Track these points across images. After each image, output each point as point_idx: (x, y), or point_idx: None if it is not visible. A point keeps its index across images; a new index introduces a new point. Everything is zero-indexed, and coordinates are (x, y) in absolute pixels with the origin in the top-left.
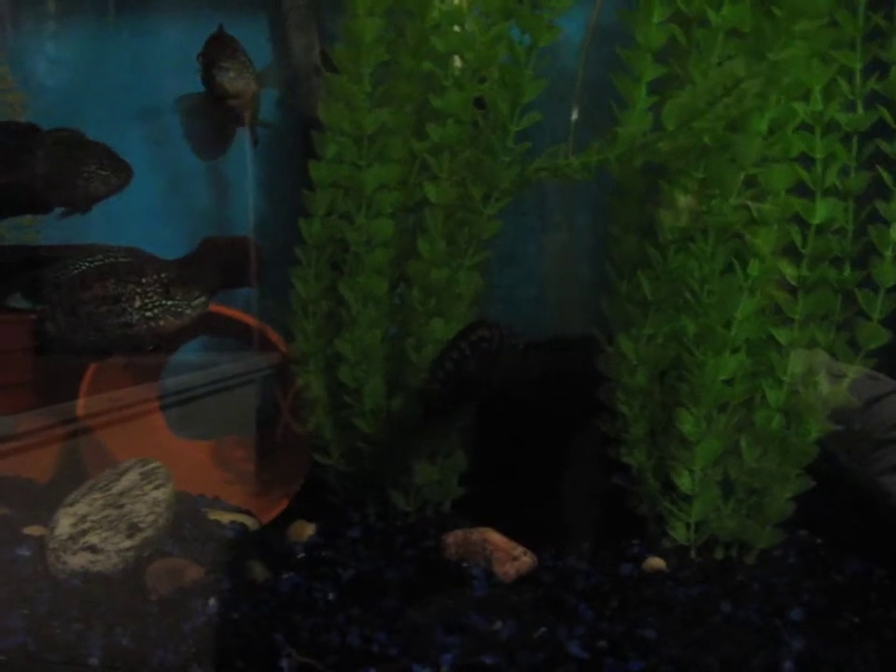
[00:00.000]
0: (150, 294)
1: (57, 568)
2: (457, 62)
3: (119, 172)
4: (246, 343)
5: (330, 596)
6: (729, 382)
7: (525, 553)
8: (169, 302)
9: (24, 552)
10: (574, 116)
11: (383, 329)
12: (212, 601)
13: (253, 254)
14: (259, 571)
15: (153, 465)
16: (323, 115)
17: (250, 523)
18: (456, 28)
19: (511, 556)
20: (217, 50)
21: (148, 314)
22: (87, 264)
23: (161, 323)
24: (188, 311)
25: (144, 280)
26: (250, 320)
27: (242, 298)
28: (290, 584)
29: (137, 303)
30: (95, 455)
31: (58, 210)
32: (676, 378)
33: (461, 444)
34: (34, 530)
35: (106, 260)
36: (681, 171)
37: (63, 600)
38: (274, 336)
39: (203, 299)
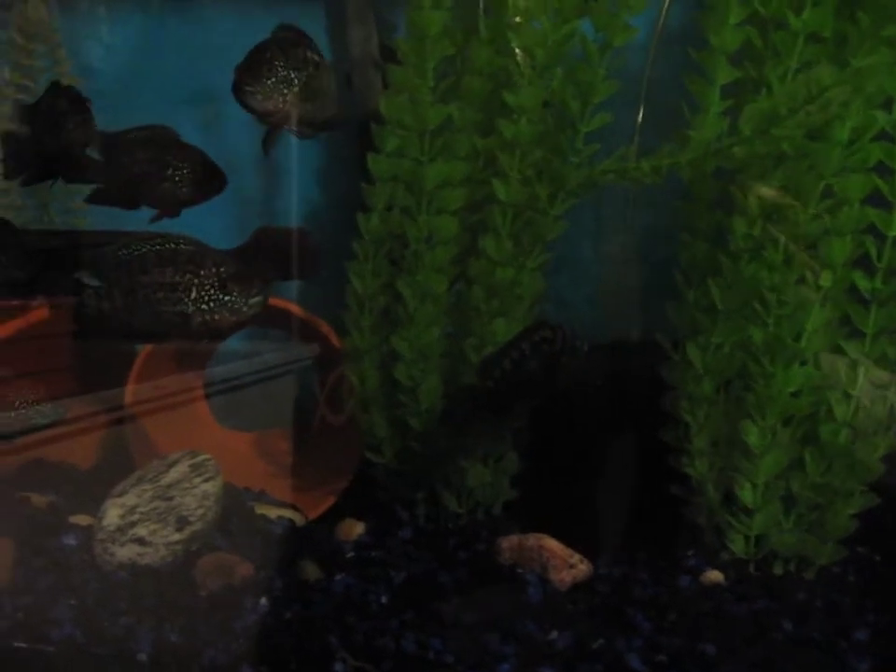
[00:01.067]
0: (207, 287)
1: (104, 559)
2: (522, 58)
3: (213, 178)
4: (298, 335)
5: (383, 599)
6: (796, 394)
7: (581, 561)
8: (226, 297)
9: (71, 541)
10: (640, 117)
11: (440, 327)
12: (263, 600)
13: (308, 245)
14: (311, 570)
15: (202, 457)
16: (384, 108)
17: (297, 518)
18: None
19: (567, 564)
20: (246, 69)
21: (204, 306)
22: (148, 247)
23: (216, 317)
24: (244, 308)
25: (202, 272)
26: (302, 312)
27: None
28: (343, 585)
29: (193, 294)
30: (140, 443)
31: None
32: (742, 388)
33: (514, 446)
34: (80, 519)
35: (167, 246)
36: (757, 178)
37: (110, 592)
38: (326, 329)
39: (260, 297)
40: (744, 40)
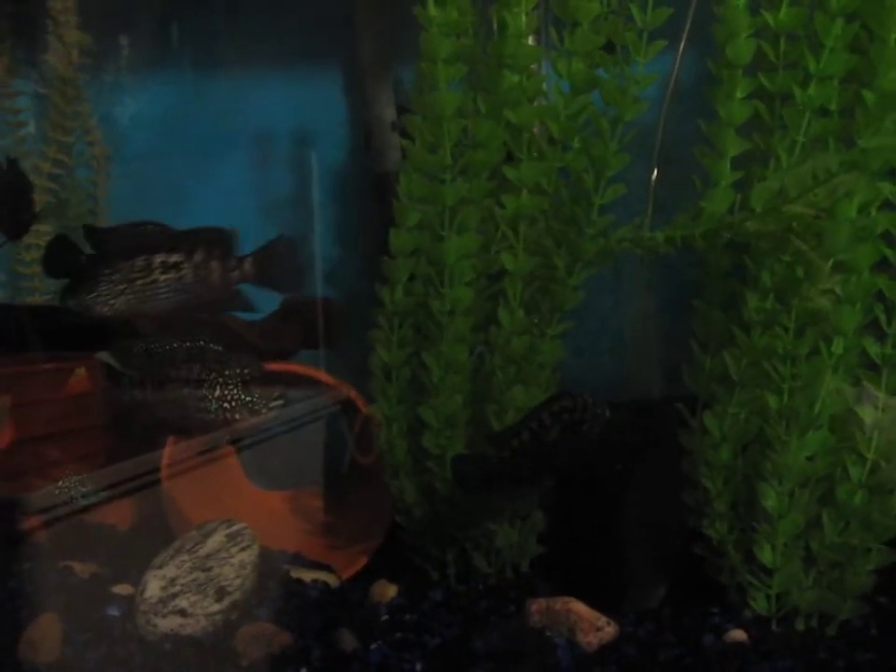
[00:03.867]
0: (231, 387)
1: (147, 630)
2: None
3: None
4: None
5: (418, 667)
6: (811, 458)
7: (608, 624)
8: (247, 398)
9: (114, 611)
10: (654, 177)
11: (464, 395)
12: (303, 671)
13: (333, 315)
14: (347, 640)
15: (238, 526)
16: (403, 185)
17: (331, 580)
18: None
19: (594, 627)
20: None
21: (226, 405)
22: (178, 344)
23: (237, 416)
24: (263, 410)
25: (227, 372)
26: (330, 379)
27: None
28: (379, 654)
29: (217, 393)
30: (174, 506)
31: None
32: (758, 453)
33: (539, 505)
34: (122, 589)
35: (197, 344)
36: (768, 252)
37: (156, 664)
38: (354, 394)
39: (280, 402)
40: (752, 113)
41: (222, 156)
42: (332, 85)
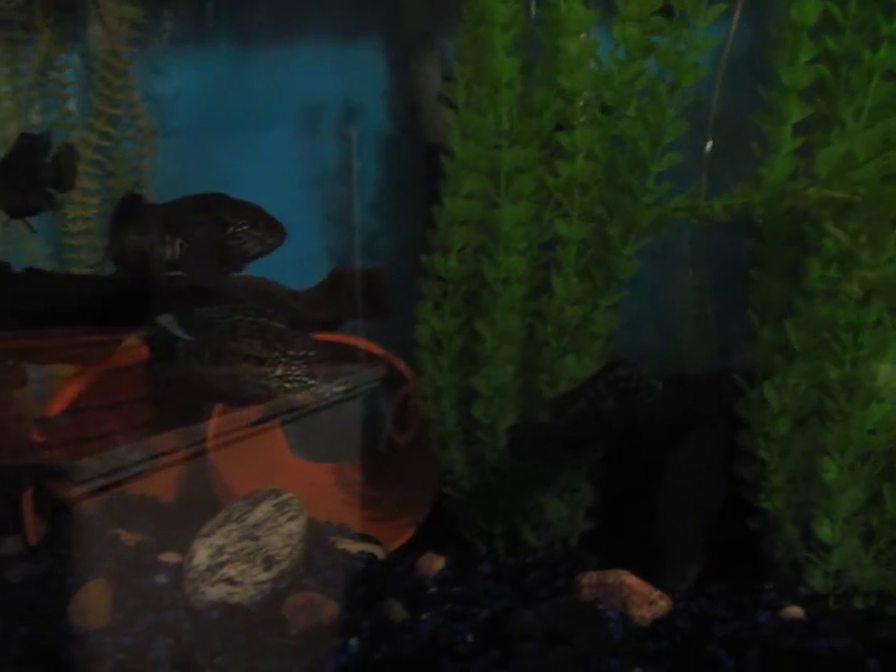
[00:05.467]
0: (294, 368)
1: (195, 598)
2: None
3: (272, 232)
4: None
5: (469, 638)
6: (873, 431)
7: (661, 598)
8: (310, 381)
9: (162, 579)
10: (708, 148)
11: (516, 365)
12: (354, 640)
13: (382, 286)
14: (397, 610)
15: (286, 496)
16: (459, 151)
17: (378, 552)
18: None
19: (647, 600)
20: None
21: (287, 384)
22: (242, 317)
23: (298, 397)
24: (327, 394)
25: (291, 352)
26: (380, 351)
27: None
28: (430, 625)
29: (279, 372)
30: (220, 477)
31: None
32: (818, 426)
33: (589, 478)
34: (169, 557)
35: (260, 319)
36: (832, 218)
37: (203, 631)
38: (402, 366)
39: (343, 387)
40: (815, 77)
41: (266, 129)
42: (377, 56)
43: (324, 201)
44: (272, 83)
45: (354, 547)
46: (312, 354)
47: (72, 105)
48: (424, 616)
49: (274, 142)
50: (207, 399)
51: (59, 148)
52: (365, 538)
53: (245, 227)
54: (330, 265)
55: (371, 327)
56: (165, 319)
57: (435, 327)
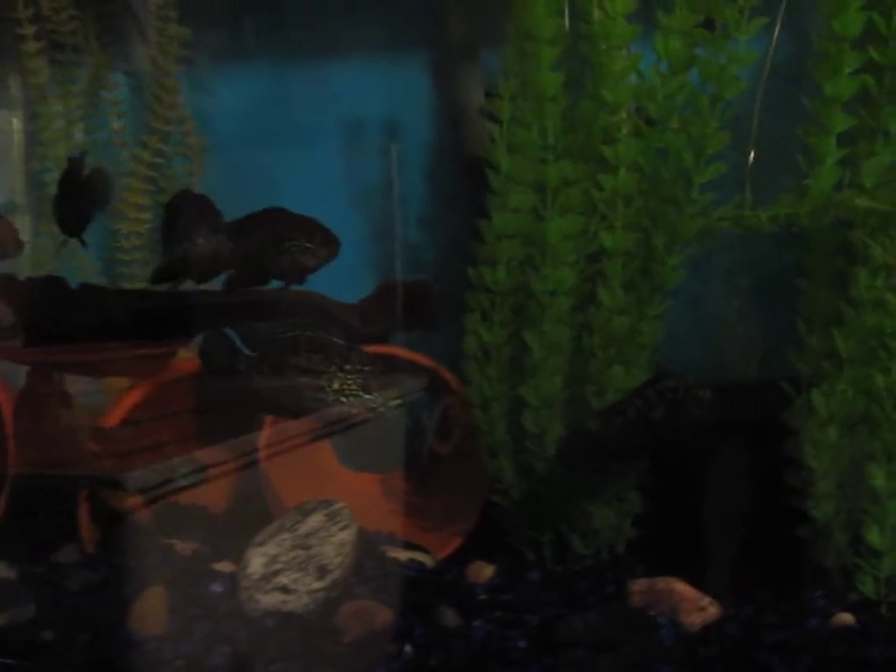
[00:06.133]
0: (350, 383)
1: (250, 607)
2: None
3: (326, 244)
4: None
5: (521, 644)
6: None
7: (711, 604)
8: (366, 395)
9: (217, 587)
10: (751, 159)
11: (564, 376)
12: (408, 647)
13: (430, 298)
14: (450, 617)
15: (337, 506)
16: (504, 165)
17: (427, 560)
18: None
19: (697, 607)
20: None
21: (343, 399)
22: (301, 331)
23: (353, 411)
24: (381, 409)
25: (347, 367)
26: (429, 362)
27: None
28: (483, 631)
29: (336, 386)
30: (270, 486)
31: None
32: (867, 432)
33: (636, 486)
34: (223, 566)
35: (319, 334)
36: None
37: (258, 639)
38: (450, 377)
39: (398, 401)
40: (859, 88)
41: (312, 144)
42: (420, 70)
43: (368, 214)
44: (316, 99)
45: (403, 556)
46: (367, 368)
47: (123, 123)
48: (476, 623)
49: (320, 157)
50: (265, 411)
51: (92, 170)
52: (414, 546)
53: (301, 240)
54: (375, 278)
55: (413, 338)
56: (217, 333)
57: (484, 338)
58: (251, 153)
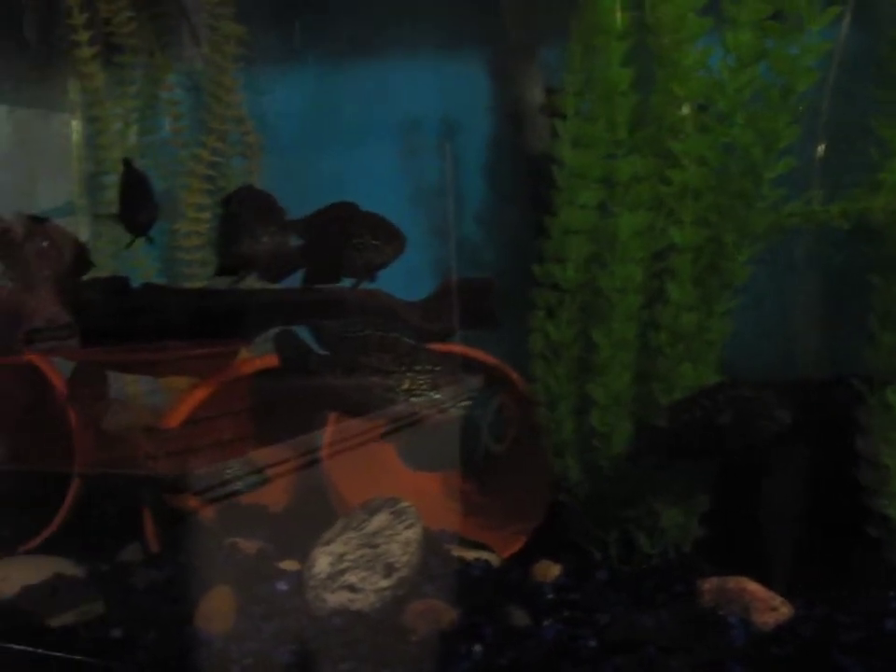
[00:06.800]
0: (420, 383)
1: (317, 605)
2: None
3: (392, 240)
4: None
5: (592, 644)
6: None
7: (783, 604)
8: (436, 396)
9: (283, 586)
10: (820, 153)
11: (632, 373)
12: (477, 646)
13: (492, 296)
14: (519, 616)
15: (403, 504)
16: (574, 162)
17: (492, 559)
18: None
19: (769, 606)
20: None
21: (413, 398)
22: (372, 331)
23: (423, 411)
24: (452, 409)
25: (418, 367)
26: (491, 360)
27: None
28: (553, 631)
29: (406, 386)
30: (333, 484)
31: None
32: None
33: (702, 484)
34: (288, 565)
35: (390, 334)
36: None
37: (326, 638)
38: (514, 376)
39: (468, 402)
40: None
41: (369, 143)
42: (478, 68)
43: (426, 213)
44: (374, 97)
45: (469, 555)
46: (436, 368)
47: (181, 123)
48: (546, 622)
49: (377, 155)
50: (335, 409)
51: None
52: (478, 545)
53: (370, 237)
54: (433, 277)
55: (471, 337)
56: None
57: (552, 335)
58: (308, 153)
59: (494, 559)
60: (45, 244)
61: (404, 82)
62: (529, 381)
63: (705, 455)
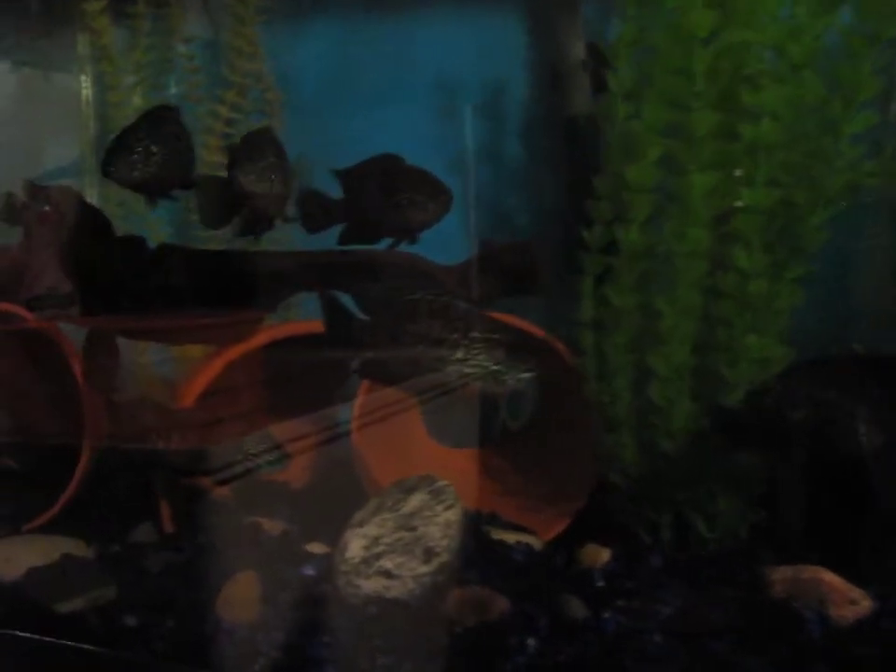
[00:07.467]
0: (475, 351)
1: (349, 592)
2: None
3: (437, 197)
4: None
5: (657, 639)
6: None
7: (863, 597)
8: (493, 367)
9: (310, 571)
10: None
11: (692, 344)
12: (531, 640)
13: (535, 260)
14: (576, 607)
15: (441, 483)
16: (647, 115)
17: (534, 542)
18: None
19: (848, 599)
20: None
21: (467, 369)
22: (421, 295)
23: (478, 384)
24: (510, 381)
25: (473, 334)
26: (537, 330)
27: None
28: (614, 624)
29: (459, 355)
30: (365, 461)
31: None
32: None
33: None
34: (315, 548)
35: (441, 298)
36: None
37: (362, 628)
38: (561, 347)
39: (529, 374)
40: None
41: (396, 101)
42: (515, 23)
43: (458, 174)
44: (400, 53)
45: (510, 537)
46: (498, 336)
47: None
48: (605, 614)
49: (403, 115)
50: (380, 381)
51: None
52: (518, 527)
53: (411, 193)
54: (466, 240)
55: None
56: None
57: (614, 302)
58: (331, 112)
59: (535, 542)
60: (46, 208)
61: (436, 36)
62: (576, 352)
63: (772, 448)
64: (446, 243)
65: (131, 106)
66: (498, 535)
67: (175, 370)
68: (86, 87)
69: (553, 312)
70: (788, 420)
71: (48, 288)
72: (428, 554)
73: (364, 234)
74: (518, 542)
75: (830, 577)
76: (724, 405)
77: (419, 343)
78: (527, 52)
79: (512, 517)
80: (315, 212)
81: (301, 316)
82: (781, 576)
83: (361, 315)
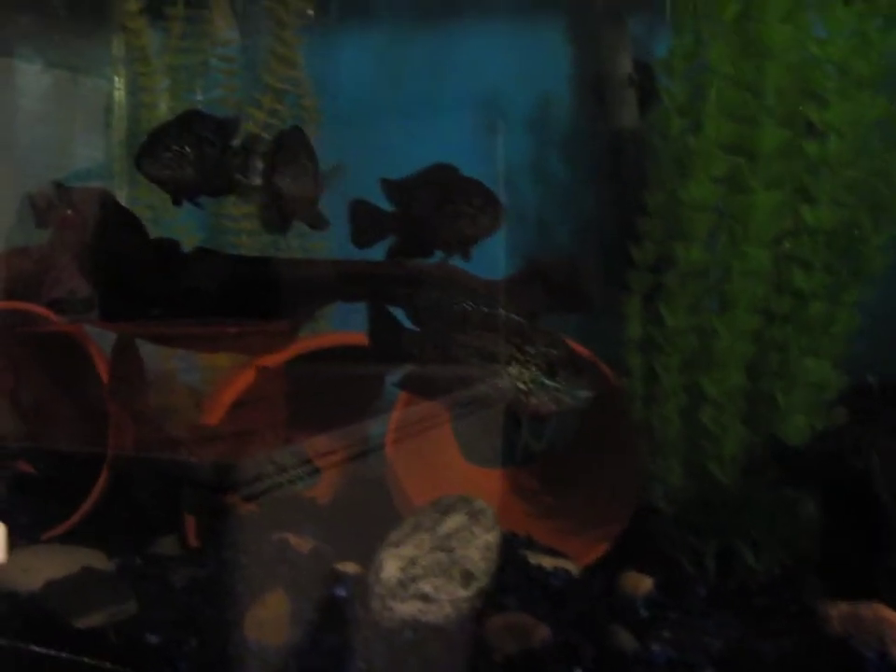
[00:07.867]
0: (531, 366)
1: (383, 616)
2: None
3: (490, 210)
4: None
5: None
6: None
7: None
8: (550, 384)
9: (342, 592)
10: None
11: (746, 368)
12: (577, 671)
13: (583, 278)
14: (625, 638)
15: (479, 505)
16: (711, 130)
17: (571, 568)
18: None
19: None
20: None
21: (522, 385)
22: (473, 306)
23: (533, 401)
24: (568, 400)
25: (528, 349)
26: (582, 349)
27: None
28: (664, 656)
29: (513, 370)
30: (398, 478)
31: None
32: None
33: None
34: (346, 567)
35: (495, 310)
36: None
37: (396, 654)
38: (604, 368)
39: (588, 394)
40: None
41: (435, 113)
42: (559, 36)
43: (499, 188)
44: (442, 64)
45: (548, 562)
46: (556, 352)
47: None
48: (655, 646)
49: (443, 126)
50: (422, 395)
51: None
52: (553, 552)
53: (463, 205)
54: (509, 256)
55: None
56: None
57: (668, 322)
58: (370, 122)
59: (572, 568)
60: (69, 211)
61: (478, 49)
62: (621, 374)
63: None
64: (486, 257)
65: (162, 109)
66: (536, 559)
67: (201, 378)
68: (119, 88)
69: (589, 330)
70: (850, 467)
71: (67, 292)
72: (467, 578)
73: (416, 247)
74: (556, 567)
75: (890, 614)
76: (784, 440)
77: (472, 356)
78: (572, 66)
79: (548, 541)
80: (365, 225)
81: (331, 327)
82: (839, 611)
83: (411, 327)
